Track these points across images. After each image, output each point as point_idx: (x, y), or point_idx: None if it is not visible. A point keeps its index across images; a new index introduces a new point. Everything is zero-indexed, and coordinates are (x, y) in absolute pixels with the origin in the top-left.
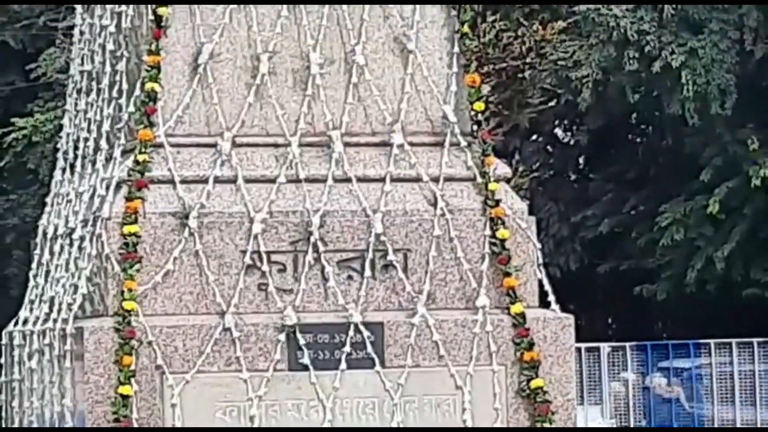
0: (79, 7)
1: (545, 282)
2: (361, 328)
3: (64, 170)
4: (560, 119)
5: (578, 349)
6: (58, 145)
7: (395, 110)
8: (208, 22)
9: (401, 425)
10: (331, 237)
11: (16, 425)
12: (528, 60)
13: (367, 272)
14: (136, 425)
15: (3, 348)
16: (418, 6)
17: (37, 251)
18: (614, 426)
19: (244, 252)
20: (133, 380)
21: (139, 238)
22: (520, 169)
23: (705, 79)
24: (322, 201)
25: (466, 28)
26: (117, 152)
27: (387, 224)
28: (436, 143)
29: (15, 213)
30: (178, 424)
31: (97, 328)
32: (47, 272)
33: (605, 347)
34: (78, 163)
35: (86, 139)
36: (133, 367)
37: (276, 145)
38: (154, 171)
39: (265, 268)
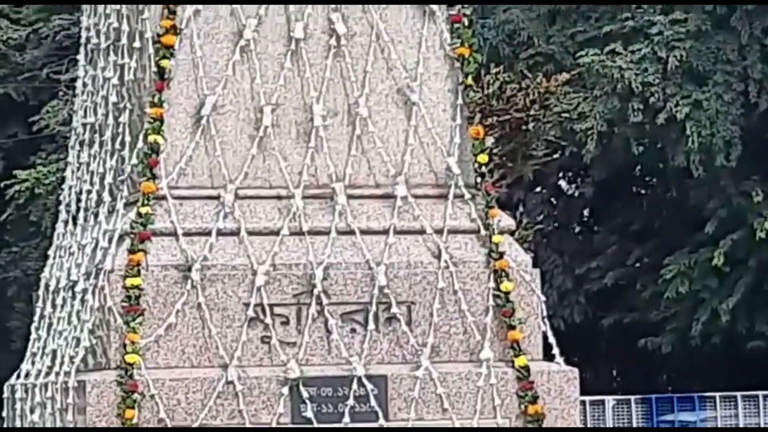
0: (81, 59)
1: (549, 334)
2: (365, 381)
3: (66, 222)
4: (564, 171)
5: (583, 402)
6: (61, 198)
7: (399, 162)
8: (211, 75)
9: None
10: (334, 289)
11: None
12: (532, 112)
13: (371, 325)
14: None
15: (5, 401)
16: (421, 58)
17: (40, 304)
18: None
19: (247, 304)
20: None
21: (141, 290)
22: (524, 221)
23: (710, 131)
24: (325, 253)
25: (469, 80)
26: (120, 204)
27: (390, 277)
28: (439, 195)
29: (17, 265)
30: None
31: (100, 381)
32: (49, 325)
33: (610, 400)
34: (80, 216)
35: (89, 192)
36: (135, 421)
37: (279, 197)
38: (156, 223)
39: (268, 320)
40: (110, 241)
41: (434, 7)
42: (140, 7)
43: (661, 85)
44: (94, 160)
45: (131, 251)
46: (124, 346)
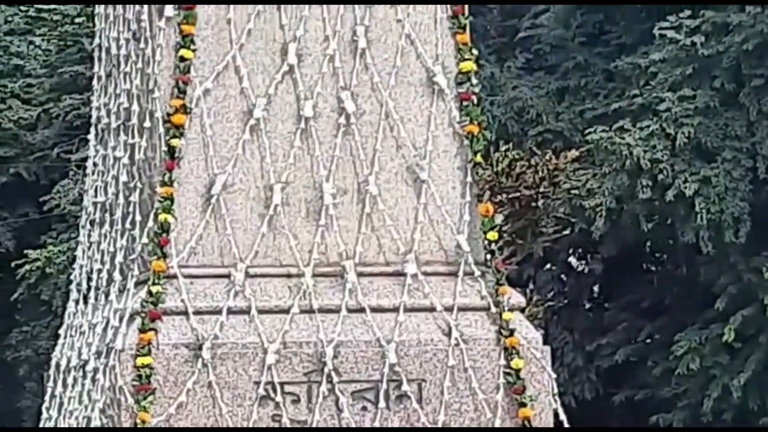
0: (92, 139)
1: (560, 412)
2: None
3: (77, 302)
4: (574, 248)
5: None
6: (72, 277)
7: (408, 240)
8: (221, 154)
9: None
10: (345, 367)
11: None
12: (541, 189)
13: (382, 403)
14: None
15: None
16: (430, 136)
17: (51, 383)
18: None
19: (257, 383)
20: None
21: (152, 369)
22: (535, 298)
23: (719, 208)
24: (335, 331)
25: (478, 158)
26: (130, 283)
27: (401, 354)
28: (449, 273)
29: (28, 345)
30: None
31: None
32: (60, 404)
33: None
34: (91, 295)
35: (99, 271)
36: None
37: (289, 276)
38: (167, 302)
39: (279, 399)
40: (121, 320)
41: (443, 84)
42: (150, 86)
43: (669, 162)
44: (105, 239)
45: (142, 330)
46: (135, 425)
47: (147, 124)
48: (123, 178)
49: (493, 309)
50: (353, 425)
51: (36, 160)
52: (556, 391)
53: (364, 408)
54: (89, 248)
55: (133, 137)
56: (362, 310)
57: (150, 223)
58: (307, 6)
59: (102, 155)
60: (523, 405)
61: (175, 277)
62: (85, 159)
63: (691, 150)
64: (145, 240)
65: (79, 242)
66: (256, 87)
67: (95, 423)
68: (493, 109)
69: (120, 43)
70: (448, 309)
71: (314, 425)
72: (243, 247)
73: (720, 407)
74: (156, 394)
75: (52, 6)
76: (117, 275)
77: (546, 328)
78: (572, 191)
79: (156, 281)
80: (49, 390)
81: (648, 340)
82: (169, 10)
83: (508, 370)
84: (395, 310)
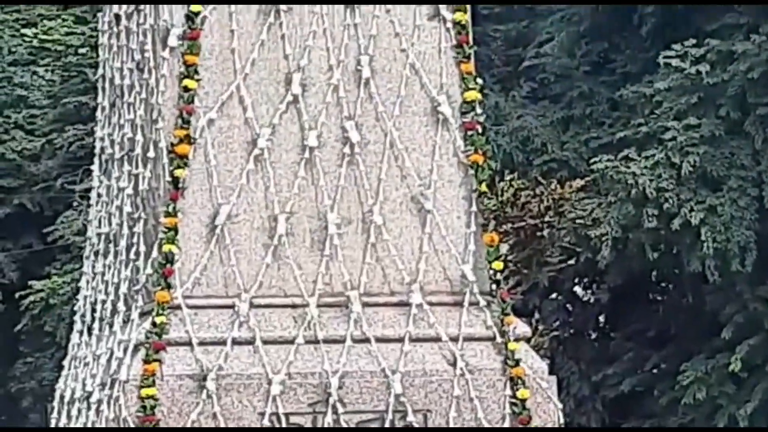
0: (96, 170)
1: None
2: None
3: (81, 333)
4: (580, 277)
5: None
6: (76, 308)
7: (414, 270)
8: (225, 184)
9: None
10: (350, 398)
11: None
12: (546, 218)
13: None
14: None
15: None
16: (435, 165)
17: (55, 415)
18: None
19: (262, 414)
20: None
21: (156, 400)
22: (540, 328)
23: (725, 237)
24: (340, 362)
25: (483, 187)
26: (134, 314)
27: (406, 385)
28: (455, 303)
29: (32, 376)
30: None
31: None
32: None
33: None
34: (95, 326)
35: (104, 302)
36: None
37: (294, 306)
38: (171, 333)
39: None
40: (125, 351)
41: (447, 114)
42: (154, 116)
43: (675, 191)
44: (109, 270)
45: (146, 361)
46: None
47: (151, 154)
48: (127, 208)
49: (499, 339)
50: None
51: (40, 190)
52: (562, 421)
53: None
54: (93, 279)
55: (137, 168)
56: (367, 340)
57: (154, 254)
58: (311, 36)
59: (106, 186)
60: None
61: (179, 307)
62: (89, 190)
63: (697, 179)
64: (149, 271)
65: (83, 273)
66: (260, 117)
67: None
68: (498, 138)
69: (124, 74)
70: (454, 339)
71: None
72: (247, 277)
73: None
74: (160, 425)
75: (56, 37)
76: (121, 306)
77: (552, 357)
78: (577, 220)
79: (160, 312)
80: (53, 422)
81: (654, 370)
82: (173, 40)
83: (513, 401)
84: (400, 340)
